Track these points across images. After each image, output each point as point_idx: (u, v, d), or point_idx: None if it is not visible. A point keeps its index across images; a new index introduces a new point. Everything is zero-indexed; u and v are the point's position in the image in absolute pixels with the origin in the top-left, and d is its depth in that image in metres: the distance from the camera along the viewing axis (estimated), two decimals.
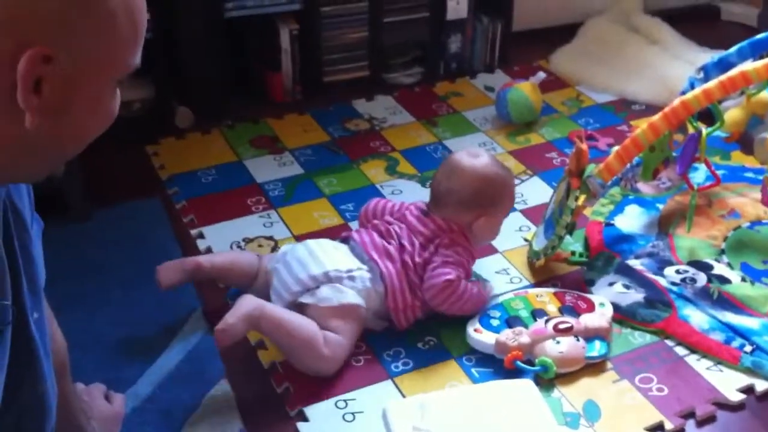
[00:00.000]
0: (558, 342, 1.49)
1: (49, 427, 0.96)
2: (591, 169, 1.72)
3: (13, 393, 0.87)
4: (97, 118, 0.79)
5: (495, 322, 1.56)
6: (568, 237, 1.76)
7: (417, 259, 1.57)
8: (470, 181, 1.61)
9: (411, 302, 1.56)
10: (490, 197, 1.61)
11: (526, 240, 1.85)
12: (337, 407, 1.43)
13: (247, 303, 1.44)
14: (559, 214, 1.70)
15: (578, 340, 1.51)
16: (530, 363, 1.48)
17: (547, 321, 1.54)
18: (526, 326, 1.53)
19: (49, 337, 0.99)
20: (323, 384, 1.47)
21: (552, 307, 1.59)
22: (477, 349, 1.53)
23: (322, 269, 1.52)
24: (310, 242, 1.62)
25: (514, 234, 1.86)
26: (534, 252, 1.76)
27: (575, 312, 1.58)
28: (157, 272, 1.58)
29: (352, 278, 1.53)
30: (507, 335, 1.50)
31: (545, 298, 1.62)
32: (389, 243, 1.60)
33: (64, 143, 0.79)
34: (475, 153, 1.66)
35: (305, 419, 1.41)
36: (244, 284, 1.64)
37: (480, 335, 1.52)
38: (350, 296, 1.51)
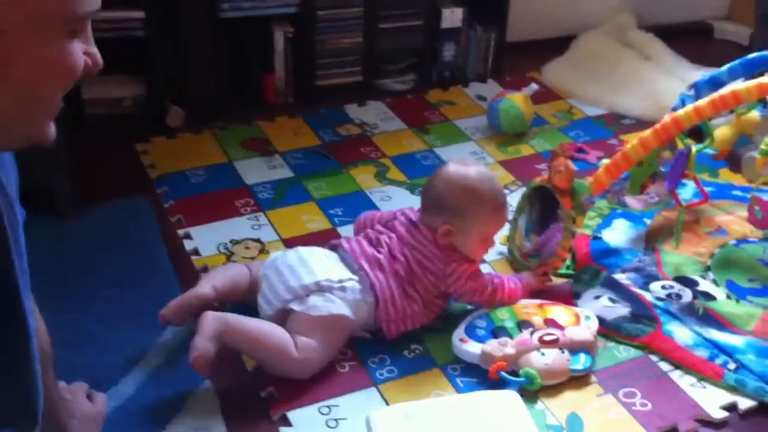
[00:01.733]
0: (543, 354, 1.50)
1: (40, 408, 0.96)
2: (584, 187, 1.72)
3: (6, 368, 0.86)
4: (52, 71, 0.78)
5: (481, 332, 1.56)
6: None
7: (418, 272, 1.57)
8: (438, 184, 1.61)
9: (406, 311, 1.56)
10: (452, 205, 1.58)
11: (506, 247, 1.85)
12: (321, 413, 1.43)
13: (209, 321, 1.43)
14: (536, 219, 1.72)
15: (563, 352, 1.51)
16: (515, 374, 1.48)
17: (532, 332, 1.54)
18: (511, 337, 1.53)
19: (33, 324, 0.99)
20: (307, 389, 1.47)
21: (538, 319, 1.60)
22: (462, 359, 1.53)
23: (314, 278, 1.52)
24: (302, 249, 1.61)
25: (498, 247, 1.86)
26: (521, 264, 1.77)
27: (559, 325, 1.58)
28: (161, 317, 1.53)
29: (343, 289, 1.53)
30: (493, 346, 1.50)
31: (531, 309, 1.62)
32: (379, 252, 1.59)
33: (24, 99, 0.78)
34: (464, 162, 1.66)
35: (288, 424, 1.41)
36: (240, 299, 1.62)
37: (466, 345, 1.53)
38: (339, 307, 1.50)
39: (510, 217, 1.81)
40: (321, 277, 1.52)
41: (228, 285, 1.59)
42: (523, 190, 2.07)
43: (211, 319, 1.43)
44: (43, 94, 0.79)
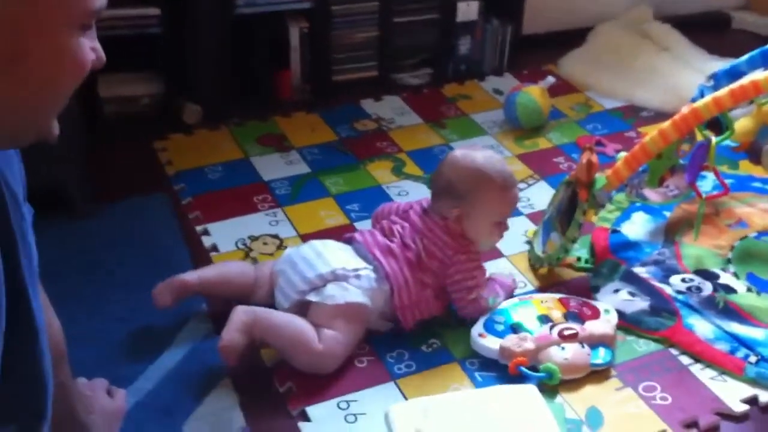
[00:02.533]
0: (563, 348, 1.49)
1: (48, 407, 0.97)
2: (601, 181, 1.71)
3: (13, 365, 0.87)
4: (61, 67, 0.78)
5: (500, 327, 1.55)
6: (575, 244, 1.76)
7: (425, 259, 1.57)
8: (446, 171, 1.61)
9: (420, 298, 1.56)
10: (461, 190, 1.57)
11: (528, 243, 1.84)
12: (340, 408, 1.43)
13: (239, 313, 1.47)
14: (557, 216, 1.69)
15: (583, 346, 1.51)
16: (534, 369, 1.47)
17: (552, 327, 1.54)
18: (530, 332, 1.53)
19: (46, 320, 0.99)
20: (326, 384, 1.47)
21: (557, 313, 1.59)
22: (481, 354, 1.53)
23: (329, 267, 1.53)
24: (316, 242, 1.62)
25: (520, 238, 1.86)
26: (536, 257, 1.76)
27: (580, 318, 1.58)
28: (153, 296, 1.57)
29: (358, 277, 1.53)
30: (512, 341, 1.49)
31: (551, 303, 1.62)
32: (391, 241, 1.60)
33: (33, 97, 0.78)
34: (471, 147, 1.67)
35: (307, 419, 1.41)
36: (239, 296, 1.61)
37: (485, 340, 1.52)
38: (356, 295, 1.51)
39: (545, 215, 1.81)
40: (336, 266, 1.53)
41: (215, 278, 1.61)
42: (540, 183, 2.08)
43: (240, 312, 1.46)
44: (58, 88, 0.79)
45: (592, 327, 1.54)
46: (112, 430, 1.33)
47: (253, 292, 1.61)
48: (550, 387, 1.46)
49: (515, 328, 1.54)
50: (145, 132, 2.22)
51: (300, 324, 1.48)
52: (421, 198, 1.71)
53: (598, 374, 1.50)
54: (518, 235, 1.85)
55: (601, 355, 1.51)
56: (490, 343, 1.51)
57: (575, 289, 1.71)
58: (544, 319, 1.57)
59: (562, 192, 1.80)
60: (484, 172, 1.58)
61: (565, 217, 1.77)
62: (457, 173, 1.59)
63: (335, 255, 1.57)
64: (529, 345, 1.48)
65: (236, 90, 2.38)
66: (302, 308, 1.53)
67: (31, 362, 0.92)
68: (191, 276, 1.60)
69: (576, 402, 1.45)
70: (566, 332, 1.51)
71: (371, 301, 1.53)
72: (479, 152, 1.63)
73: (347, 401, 1.44)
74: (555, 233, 1.77)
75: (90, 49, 0.81)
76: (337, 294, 1.50)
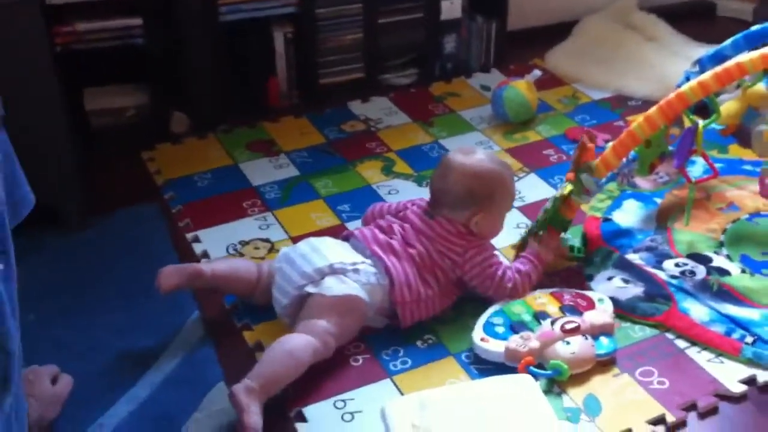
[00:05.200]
0: (568, 343, 1.48)
1: (16, 370, 0.99)
2: (589, 167, 1.70)
3: None
4: None
5: (500, 330, 1.53)
6: (567, 234, 1.76)
7: (435, 257, 1.57)
8: (462, 180, 1.60)
9: (421, 295, 1.55)
10: (484, 194, 1.60)
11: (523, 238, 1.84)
12: (336, 407, 1.42)
13: (242, 396, 1.34)
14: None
15: (586, 338, 1.50)
16: (541, 367, 1.46)
17: (553, 323, 1.52)
18: (531, 330, 1.51)
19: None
20: (321, 384, 1.46)
21: (552, 308, 1.58)
22: (486, 359, 1.50)
23: (327, 261, 1.53)
24: (313, 239, 1.62)
25: (512, 231, 1.85)
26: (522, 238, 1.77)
27: (576, 310, 1.57)
28: (158, 276, 1.56)
29: (356, 271, 1.53)
30: (516, 341, 1.48)
31: (544, 299, 1.61)
32: (392, 239, 1.60)
33: None
34: (468, 150, 1.66)
35: (304, 420, 1.40)
36: (243, 293, 1.62)
37: (488, 344, 1.49)
38: (354, 288, 1.51)
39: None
40: (334, 260, 1.53)
41: (226, 272, 1.60)
42: (531, 176, 2.08)
43: (242, 394, 1.34)
44: None
45: (592, 317, 1.53)
46: (48, 413, 1.37)
47: (255, 290, 1.61)
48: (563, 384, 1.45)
49: (515, 328, 1.53)
50: (133, 143, 2.21)
51: (297, 353, 1.43)
52: (414, 198, 1.71)
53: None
54: (510, 228, 1.84)
55: (605, 344, 1.50)
56: (494, 347, 1.49)
57: (569, 279, 1.70)
58: (542, 315, 1.56)
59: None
60: (500, 171, 1.63)
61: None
62: (476, 180, 1.60)
63: (333, 250, 1.57)
64: (534, 344, 1.47)
65: (224, 98, 2.37)
66: (299, 305, 1.52)
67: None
68: (206, 267, 1.59)
69: (573, 390, 1.44)
70: (568, 326, 1.50)
71: (369, 296, 1.52)
72: (479, 153, 1.65)
73: (343, 400, 1.43)
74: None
75: None
76: (335, 286, 1.50)
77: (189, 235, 1.87)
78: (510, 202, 1.67)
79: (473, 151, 1.65)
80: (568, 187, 1.68)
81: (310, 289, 1.50)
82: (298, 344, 1.44)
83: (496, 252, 1.65)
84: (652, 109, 1.72)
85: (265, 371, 1.40)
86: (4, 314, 0.99)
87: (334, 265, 1.52)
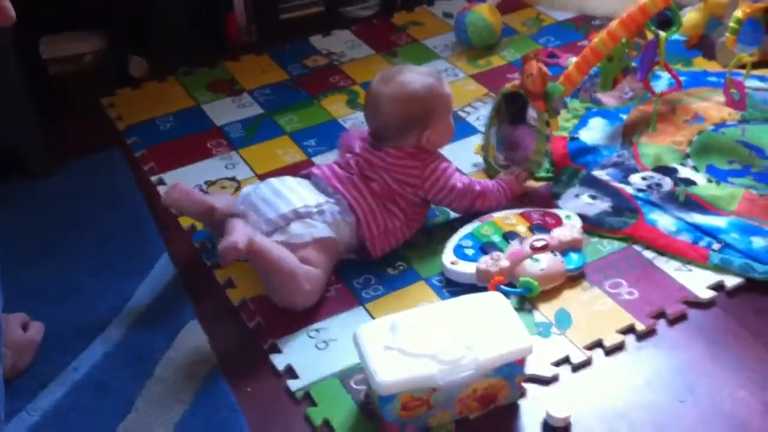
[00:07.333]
0: (537, 260, 1.49)
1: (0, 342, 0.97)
2: (558, 89, 1.68)
3: None
4: None
5: (470, 252, 1.54)
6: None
7: (395, 187, 1.56)
8: (395, 109, 1.56)
9: (388, 226, 1.55)
10: (422, 113, 1.57)
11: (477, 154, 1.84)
12: (310, 336, 1.43)
13: (240, 224, 1.42)
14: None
15: (555, 255, 1.50)
16: (512, 286, 1.47)
17: (521, 241, 1.53)
18: (501, 250, 1.52)
19: None
20: (294, 316, 1.46)
21: (522, 228, 1.58)
22: (456, 281, 1.51)
23: (291, 206, 1.51)
24: (273, 181, 1.59)
25: (473, 157, 1.84)
26: (495, 169, 1.76)
27: (545, 229, 1.57)
28: (169, 189, 1.53)
29: (321, 212, 1.52)
30: (486, 262, 1.49)
31: (513, 220, 1.61)
32: (350, 174, 1.58)
33: None
34: (387, 77, 1.60)
35: (278, 351, 1.40)
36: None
37: (458, 266, 1.50)
38: (322, 230, 1.50)
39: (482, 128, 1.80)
40: (298, 204, 1.51)
41: (225, 208, 1.55)
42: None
43: (241, 225, 1.42)
44: None
45: (560, 234, 1.54)
46: (21, 360, 1.38)
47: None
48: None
49: (485, 249, 1.54)
50: (93, 89, 2.17)
51: (292, 259, 1.45)
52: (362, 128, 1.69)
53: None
54: (471, 155, 1.85)
55: (574, 260, 1.51)
56: (465, 268, 1.50)
57: (537, 199, 1.71)
58: (511, 235, 1.56)
59: (502, 104, 1.77)
60: (428, 84, 1.58)
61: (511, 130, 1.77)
62: (409, 104, 1.56)
63: (295, 192, 1.55)
64: (504, 263, 1.48)
65: (182, 39, 2.32)
66: None
67: None
68: (218, 202, 1.54)
69: (544, 306, 1.46)
70: (537, 244, 1.51)
71: (337, 234, 1.52)
72: (399, 73, 1.59)
73: (317, 329, 1.44)
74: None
75: None
76: (304, 232, 1.49)
77: (154, 178, 1.85)
78: (450, 104, 1.62)
79: (393, 74, 1.60)
80: (553, 122, 1.68)
81: (277, 237, 1.48)
82: (297, 263, 1.45)
83: (452, 165, 1.63)
84: (614, 23, 1.70)
85: (263, 239, 1.44)
86: None
87: (299, 209, 1.51)
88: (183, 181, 1.79)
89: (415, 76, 1.59)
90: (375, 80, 1.61)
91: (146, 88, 2.21)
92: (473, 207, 1.62)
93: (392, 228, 1.56)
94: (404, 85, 1.57)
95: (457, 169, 1.64)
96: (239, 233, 1.40)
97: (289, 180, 1.60)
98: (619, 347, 1.38)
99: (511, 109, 1.76)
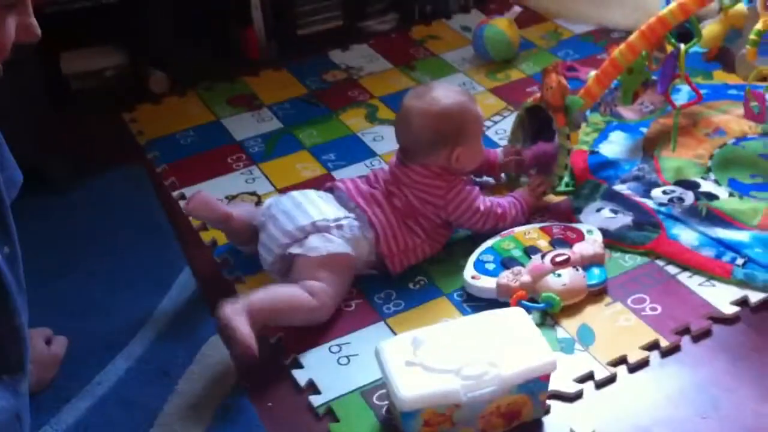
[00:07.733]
0: (559, 275, 1.48)
1: (27, 359, 0.99)
2: (578, 102, 1.68)
3: None
4: None
5: (490, 266, 1.53)
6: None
7: (417, 205, 1.56)
8: (427, 125, 1.56)
9: (408, 245, 1.55)
10: (453, 130, 1.56)
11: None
12: (331, 352, 1.42)
13: (232, 309, 1.36)
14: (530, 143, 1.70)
15: (577, 269, 1.50)
16: (534, 301, 1.46)
17: (543, 256, 1.53)
18: (522, 265, 1.52)
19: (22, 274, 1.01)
20: (316, 331, 1.46)
21: (543, 242, 1.58)
22: (478, 296, 1.50)
23: (310, 219, 1.51)
24: (295, 193, 1.60)
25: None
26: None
27: (566, 243, 1.57)
28: (190, 199, 1.57)
29: (340, 227, 1.52)
30: (507, 277, 1.48)
31: (534, 234, 1.60)
32: (374, 188, 1.58)
33: None
34: (420, 92, 1.60)
35: (300, 366, 1.40)
36: (244, 242, 1.62)
37: (479, 282, 1.50)
38: (339, 245, 1.50)
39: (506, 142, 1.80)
40: (317, 217, 1.51)
41: (245, 217, 1.58)
42: (515, 115, 2.06)
43: (232, 308, 1.36)
44: None
45: (582, 249, 1.53)
46: (46, 375, 1.38)
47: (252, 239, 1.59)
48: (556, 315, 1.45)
49: (506, 264, 1.53)
50: (114, 104, 2.19)
51: (289, 292, 1.44)
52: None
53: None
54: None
55: (596, 275, 1.50)
56: (485, 284, 1.49)
57: (558, 213, 1.70)
58: (532, 250, 1.56)
59: (525, 117, 1.77)
60: (460, 101, 1.58)
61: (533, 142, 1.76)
62: (440, 120, 1.56)
63: (315, 205, 1.55)
64: (525, 278, 1.47)
65: (203, 55, 2.34)
66: (285, 262, 1.51)
67: (7, 319, 0.93)
68: (234, 210, 1.58)
69: (566, 322, 1.45)
70: (558, 258, 1.50)
71: (355, 250, 1.52)
72: (432, 90, 1.60)
73: (339, 345, 1.44)
74: None
75: (22, 25, 0.80)
76: (320, 245, 1.49)
77: (175, 194, 1.86)
78: (481, 125, 1.63)
79: (425, 90, 1.61)
80: (574, 136, 1.68)
81: (294, 250, 1.49)
82: (293, 289, 1.45)
83: (476, 188, 1.63)
84: (634, 35, 1.70)
85: (253, 297, 1.41)
86: (10, 294, 0.99)
87: (317, 222, 1.51)
88: None
89: (447, 93, 1.59)
90: (407, 96, 1.62)
91: (167, 103, 2.22)
92: (494, 230, 1.62)
93: (412, 246, 1.56)
94: (437, 101, 1.57)
95: (481, 190, 1.64)
96: (242, 332, 1.33)
97: (311, 193, 1.60)
98: (643, 363, 1.37)
99: (533, 123, 1.76)
